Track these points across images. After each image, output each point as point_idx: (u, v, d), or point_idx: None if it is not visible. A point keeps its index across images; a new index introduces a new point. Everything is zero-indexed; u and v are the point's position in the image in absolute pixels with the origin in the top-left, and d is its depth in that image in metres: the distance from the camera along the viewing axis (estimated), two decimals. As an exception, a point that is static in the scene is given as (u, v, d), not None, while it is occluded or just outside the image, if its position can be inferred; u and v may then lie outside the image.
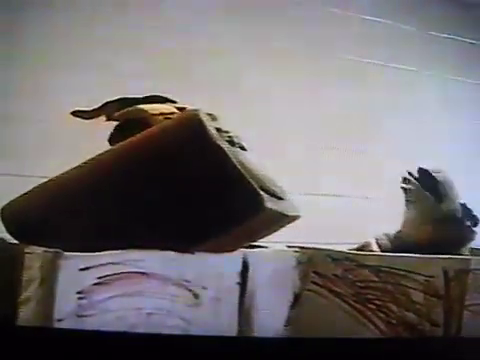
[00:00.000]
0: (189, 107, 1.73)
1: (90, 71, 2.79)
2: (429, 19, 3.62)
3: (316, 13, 3.31)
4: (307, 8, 3.29)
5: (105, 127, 1.82)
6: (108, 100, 1.80)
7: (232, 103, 2.92)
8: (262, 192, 1.57)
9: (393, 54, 3.50)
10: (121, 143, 1.66)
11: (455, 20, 3.69)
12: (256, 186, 1.56)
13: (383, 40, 3.48)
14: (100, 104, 1.82)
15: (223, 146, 1.57)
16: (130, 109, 1.75)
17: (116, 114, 1.76)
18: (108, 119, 1.80)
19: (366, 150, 3.19)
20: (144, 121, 1.72)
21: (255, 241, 1.68)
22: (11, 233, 1.59)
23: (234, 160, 1.56)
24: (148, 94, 1.80)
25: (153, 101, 1.77)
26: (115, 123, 1.81)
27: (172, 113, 1.75)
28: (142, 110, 1.74)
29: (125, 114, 1.76)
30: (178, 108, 1.79)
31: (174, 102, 1.80)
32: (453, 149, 3.58)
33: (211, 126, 1.59)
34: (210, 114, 1.63)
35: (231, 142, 1.62)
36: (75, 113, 1.85)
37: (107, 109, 1.80)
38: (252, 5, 3.17)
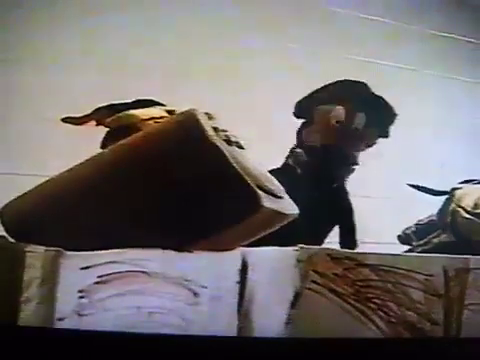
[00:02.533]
0: (177, 109, 1.74)
1: (90, 71, 2.80)
2: (430, 18, 3.62)
3: (316, 12, 3.32)
4: (307, 7, 3.29)
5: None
6: (99, 106, 1.82)
7: (232, 103, 2.93)
8: (259, 191, 1.57)
9: (393, 53, 3.51)
10: (120, 143, 1.67)
11: (456, 19, 3.69)
12: (253, 185, 1.57)
13: (383, 39, 3.49)
14: (91, 110, 1.83)
15: (220, 145, 1.58)
16: (121, 115, 1.77)
17: (107, 120, 1.78)
18: (98, 124, 1.82)
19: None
20: (135, 126, 1.74)
21: (253, 239, 1.68)
22: (11, 234, 1.60)
23: (231, 159, 1.57)
24: (138, 98, 1.81)
25: (142, 105, 1.79)
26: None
27: (162, 117, 1.77)
28: (133, 116, 1.76)
29: (116, 120, 1.77)
30: (168, 111, 1.80)
31: (163, 105, 1.81)
32: (453, 148, 3.59)
33: (208, 125, 1.59)
34: (207, 113, 1.63)
35: (228, 141, 1.63)
36: (66, 119, 1.86)
37: (98, 115, 1.81)
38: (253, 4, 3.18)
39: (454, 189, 2.37)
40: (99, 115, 1.80)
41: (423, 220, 2.45)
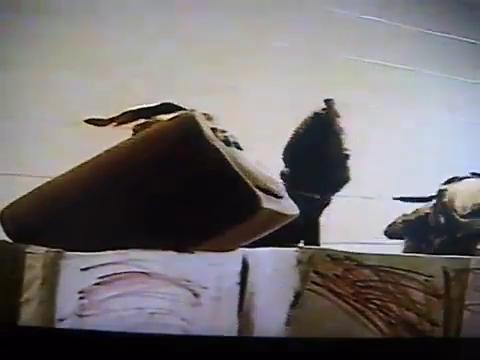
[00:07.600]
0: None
1: (90, 71, 2.80)
2: (429, 18, 3.63)
3: (316, 13, 3.32)
4: (307, 8, 3.29)
5: (107, 127, 1.83)
6: (129, 109, 1.80)
7: (230, 104, 2.93)
8: (259, 191, 1.57)
9: (393, 54, 3.51)
10: (119, 144, 1.67)
11: (455, 19, 3.70)
12: (252, 186, 1.57)
13: (383, 39, 3.49)
14: (119, 113, 1.81)
15: (219, 146, 1.58)
16: (150, 121, 1.75)
17: (135, 124, 1.77)
18: (118, 124, 1.81)
19: (366, 149, 3.19)
20: None
21: (254, 240, 1.68)
22: (11, 235, 1.60)
23: (230, 160, 1.57)
24: (161, 102, 1.80)
25: (167, 109, 1.77)
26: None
27: None
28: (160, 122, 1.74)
29: (143, 126, 1.76)
30: None
31: (184, 109, 1.81)
32: (453, 148, 3.59)
33: (206, 126, 1.59)
34: (205, 114, 1.64)
35: (227, 142, 1.63)
36: (90, 121, 1.84)
37: (125, 118, 1.80)
38: (252, 4, 3.18)
39: (441, 190, 2.30)
40: (126, 118, 1.79)
41: (409, 215, 2.38)
